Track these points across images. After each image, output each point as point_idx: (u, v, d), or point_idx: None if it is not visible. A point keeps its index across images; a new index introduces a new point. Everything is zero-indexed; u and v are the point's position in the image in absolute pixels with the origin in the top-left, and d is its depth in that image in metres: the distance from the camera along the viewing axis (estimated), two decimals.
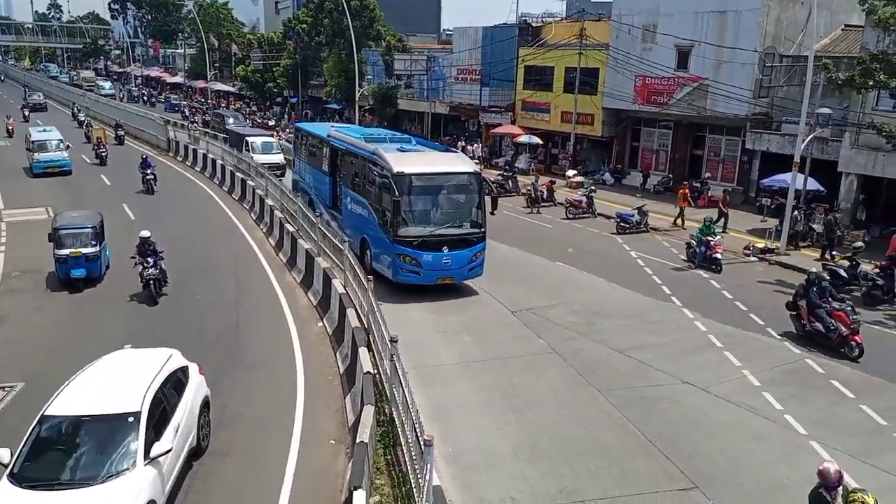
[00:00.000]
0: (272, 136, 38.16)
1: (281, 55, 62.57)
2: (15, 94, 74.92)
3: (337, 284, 15.08)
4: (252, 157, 31.85)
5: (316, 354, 13.82)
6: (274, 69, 62.94)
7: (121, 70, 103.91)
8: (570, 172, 34.31)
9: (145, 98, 77.76)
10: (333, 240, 17.25)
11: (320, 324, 15.29)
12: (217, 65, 76.36)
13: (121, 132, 42.62)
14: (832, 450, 10.62)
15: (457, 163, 18.03)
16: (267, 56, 64.78)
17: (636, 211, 25.29)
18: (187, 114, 59.75)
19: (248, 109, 64.22)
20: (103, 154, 35.08)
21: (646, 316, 16.49)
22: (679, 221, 25.78)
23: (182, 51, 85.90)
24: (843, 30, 28.95)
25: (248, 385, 12.47)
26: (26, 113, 53.69)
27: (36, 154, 32.10)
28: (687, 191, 26.39)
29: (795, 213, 22.76)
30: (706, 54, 29.07)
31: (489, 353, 14.00)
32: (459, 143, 40.93)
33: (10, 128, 43.96)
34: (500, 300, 17.16)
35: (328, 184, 21.60)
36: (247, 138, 35.04)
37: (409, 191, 16.47)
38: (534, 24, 41.12)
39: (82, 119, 48.66)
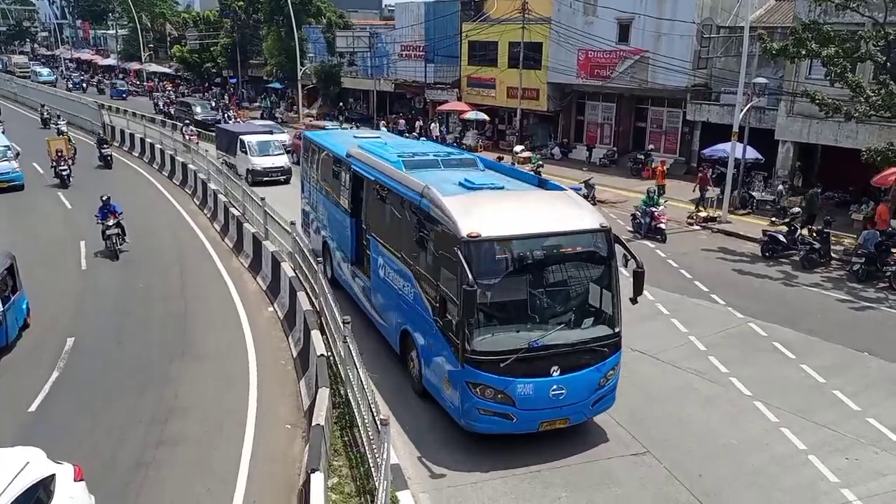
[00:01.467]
0: (271, 132, 31.72)
1: (218, 34, 60.76)
2: None
3: (286, 268, 14.85)
4: (250, 162, 27.48)
5: (267, 339, 13.63)
6: (212, 49, 61.13)
7: (49, 53, 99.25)
8: (518, 148, 34.42)
9: (91, 84, 69.65)
10: (280, 222, 16.93)
11: (271, 308, 15.06)
12: (151, 46, 73.78)
13: (106, 149, 30.62)
14: (776, 409, 11.06)
15: (569, 214, 10.21)
16: (204, 35, 62.79)
17: (583, 184, 25.56)
18: (161, 106, 50.64)
19: (180, 91, 62.36)
20: (64, 173, 26.39)
21: None
22: (701, 206, 23.89)
23: (114, 32, 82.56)
24: (776, 1, 29.67)
25: (199, 373, 12.21)
26: None
27: None
28: (707, 174, 24.83)
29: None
30: (646, 27, 29.41)
31: None
32: (418, 122, 40.62)
33: None
34: None
35: (350, 228, 14.10)
36: (241, 137, 28.58)
37: (491, 270, 9.34)
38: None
39: (52, 121, 39.79)
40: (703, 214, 23.14)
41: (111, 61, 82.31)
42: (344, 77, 48.34)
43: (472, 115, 37.01)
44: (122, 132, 36.72)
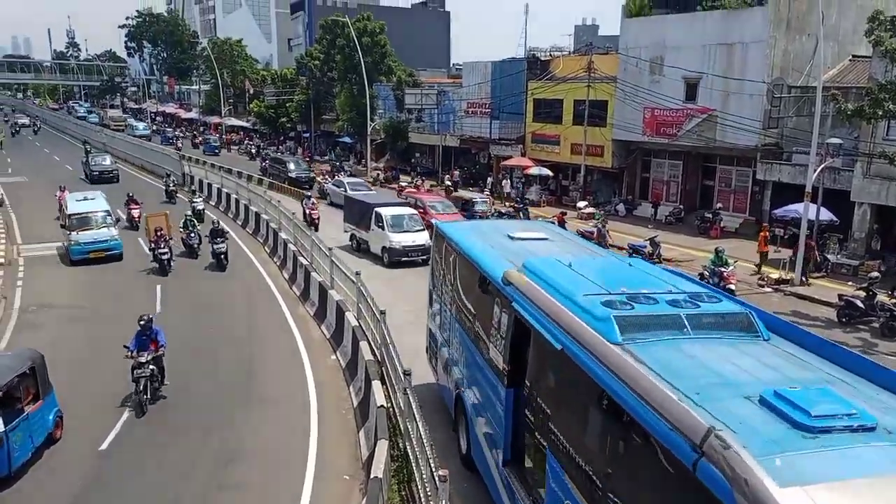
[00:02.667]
0: (406, 203, 28.20)
1: (294, 91, 63.69)
2: (63, 149, 58.87)
3: (350, 317, 15.12)
4: (388, 239, 23.58)
5: (329, 388, 13.81)
6: (287, 104, 64.00)
7: (136, 106, 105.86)
8: (581, 203, 34.41)
9: (184, 138, 69.69)
10: (345, 271, 17.33)
11: (333, 357, 15.30)
12: (231, 101, 77.74)
13: (221, 244, 22.81)
14: None
15: None
16: (280, 92, 65.95)
17: (648, 242, 25.26)
18: (266, 166, 46.64)
19: (259, 143, 65.20)
20: (164, 257, 21.86)
21: None
22: (762, 269, 23.29)
23: (197, 87, 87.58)
24: (850, 60, 29.12)
25: (262, 419, 12.45)
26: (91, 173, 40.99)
27: (74, 234, 23.23)
28: (767, 233, 24.11)
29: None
30: (714, 86, 29.27)
31: None
32: (489, 178, 41.18)
33: (63, 203, 27.44)
34: None
35: (503, 402, 8.87)
36: (377, 210, 24.48)
37: None
38: (542, 58, 41.62)
39: (174, 190, 36.18)
40: (774, 276, 22.44)
41: (193, 115, 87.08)
42: (411, 132, 49.62)
43: (535, 170, 37.31)
44: (200, 182, 38.69)
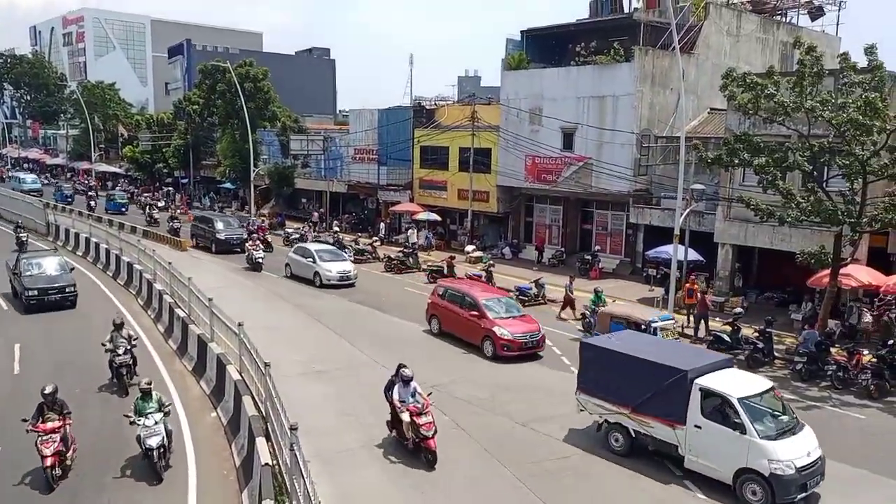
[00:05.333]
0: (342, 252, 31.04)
1: (171, 135, 61.36)
2: None
3: (231, 370, 14.38)
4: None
5: (209, 447, 12.98)
6: (164, 150, 61.50)
7: None
8: (469, 247, 35.03)
9: (82, 194, 57.55)
10: (226, 323, 16.54)
11: (214, 414, 14.44)
12: (102, 146, 73.86)
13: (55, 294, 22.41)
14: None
15: None
16: (157, 136, 63.34)
17: (533, 284, 25.95)
18: (174, 226, 39.47)
19: (133, 189, 62.02)
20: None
21: (547, 387, 16.67)
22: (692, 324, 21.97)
23: (64, 132, 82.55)
24: (709, 113, 31.73)
25: (134, 483, 11.45)
26: None
27: None
28: (695, 286, 22.67)
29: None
30: (589, 135, 30.97)
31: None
32: (382, 223, 41.00)
33: None
34: None
35: None
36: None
37: None
38: (428, 107, 42.58)
39: (25, 239, 32.26)
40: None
41: (60, 160, 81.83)
42: (298, 178, 48.98)
43: (423, 215, 37.68)
44: (67, 231, 36.06)
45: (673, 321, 18.75)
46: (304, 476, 8.95)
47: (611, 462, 12.79)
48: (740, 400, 11.46)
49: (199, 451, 12.78)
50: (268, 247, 34.37)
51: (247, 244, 32.50)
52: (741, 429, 11.27)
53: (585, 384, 13.77)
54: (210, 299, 17.67)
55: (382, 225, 40.78)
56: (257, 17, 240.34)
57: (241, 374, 14.40)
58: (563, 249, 33.89)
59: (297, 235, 37.88)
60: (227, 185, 55.80)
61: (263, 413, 12.66)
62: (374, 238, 37.36)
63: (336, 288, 27.38)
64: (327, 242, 33.78)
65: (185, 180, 62.17)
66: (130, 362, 15.83)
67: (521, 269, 30.98)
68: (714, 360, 13.01)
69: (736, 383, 12.04)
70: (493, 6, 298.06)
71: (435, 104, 43.87)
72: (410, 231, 36.90)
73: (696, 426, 11.82)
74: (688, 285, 23.23)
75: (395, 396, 12.73)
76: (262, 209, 49.42)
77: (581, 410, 13.83)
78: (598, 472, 12.46)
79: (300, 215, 47.31)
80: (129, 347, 15.83)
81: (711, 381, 11.97)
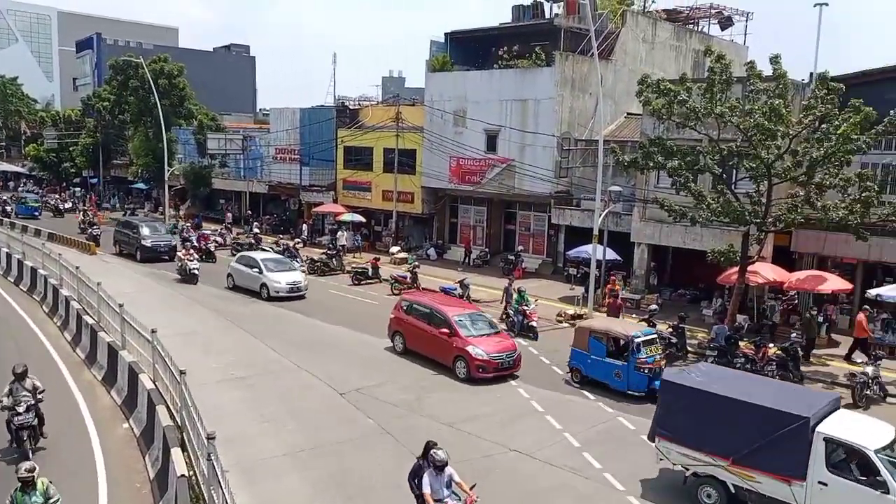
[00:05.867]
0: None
1: (80, 133, 58.39)
2: None
3: (144, 379, 13.76)
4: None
5: (121, 460, 12.36)
6: (71, 148, 58.46)
7: None
8: (394, 249, 34.90)
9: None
10: (139, 329, 15.82)
11: (126, 425, 13.78)
12: (3, 143, 69.62)
13: None
14: (649, 502, 11.27)
15: None
16: (63, 134, 60.14)
17: (458, 284, 26.09)
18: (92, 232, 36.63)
19: (37, 190, 58.70)
20: None
21: (472, 387, 16.77)
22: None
23: None
24: (626, 117, 32.76)
25: None
26: None
27: None
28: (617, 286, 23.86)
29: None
30: (512, 138, 31.40)
31: (317, 440, 13.38)
32: (304, 225, 40.17)
33: None
34: (326, 382, 16.61)
35: None
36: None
37: None
38: (351, 107, 42.18)
39: None
40: (570, 312, 24.12)
41: None
42: (215, 178, 47.58)
43: (347, 216, 37.27)
44: None
45: (655, 335, 17.44)
46: (223, 486, 8.66)
47: None
48: (877, 452, 9.86)
49: (111, 464, 12.14)
50: (209, 256, 32.23)
51: (179, 253, 29.72)
52: (883, 487, 9.62)
53: (668, 430, 11.67)
54: (121, 305, 16.90)
55: (305, 226, 40.12)
56: (173, 12, 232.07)
57: (154, 383, 13.82)
58: (487, 250, 34.24)
59: (244, 241, 35.34)
60: (140, 185, 53.67)
61: (179, 422, 12.17)
62: (297, 240, 36.63)
63: (285, 300, 25.31)
64: (280, 250, 32.00)
65: (94, 180, 59.36)
66: (34, 422, 12.30)
67: (446, 270, 31.08)
68: (826, 400, 11.21)
69: (864, 431, 10.42)
70: (417, 6, 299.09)
71: (359, 104, 43.53)
72: (340, 233, 36.29)
73: (820, 483, 10.08)
74: (609, 286, 23.96)
75: (426, 489, 9.45)
76: (178, 210, 47.74)
77: (661, 460, 11.84)
78: None
79: (218, 217, 45.93)
80: (32, 403, 12.29)
81: (835, 428, 10.29)
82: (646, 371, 16.09)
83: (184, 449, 11.01)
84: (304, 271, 28.39)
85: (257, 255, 27.88)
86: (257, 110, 78.46)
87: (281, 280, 25.89)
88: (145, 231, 33.38)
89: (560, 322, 23.62)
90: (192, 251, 29.57)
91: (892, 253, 21.29)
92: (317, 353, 18.84)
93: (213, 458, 9.13)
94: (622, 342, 16.54)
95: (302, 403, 15.29)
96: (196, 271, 28.02)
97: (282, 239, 37.73)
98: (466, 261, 33.56)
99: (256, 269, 26.45)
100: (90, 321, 18.38)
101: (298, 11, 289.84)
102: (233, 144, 45.00)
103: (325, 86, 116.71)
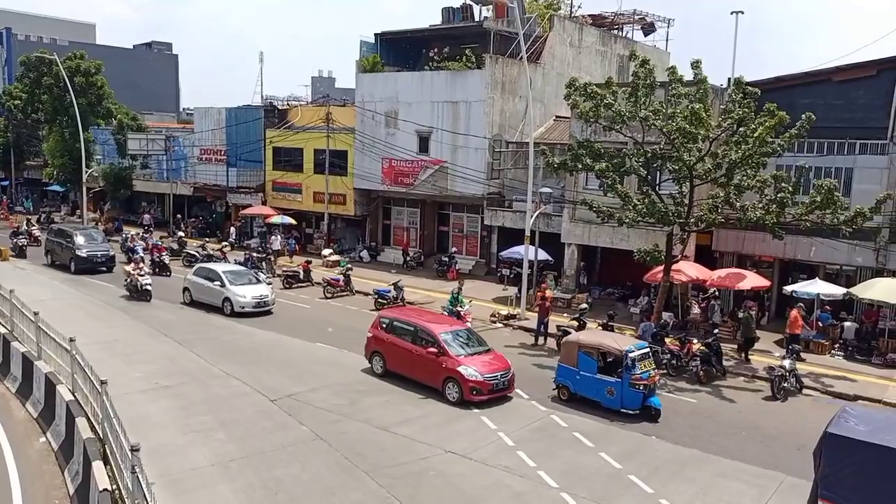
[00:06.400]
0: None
1: None
2: None
3: (63, 390, 13.09)
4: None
5: (38, 476, 11.71)
6: None
7: None
8: (326, 251, 34.43)
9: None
10: (55, 339, 15.04)
11: (42, 439, 13.08)
12: None
13: None
14: (581, 498, 11.49)
15: None
16: None
17: (392, 286, 25.97)
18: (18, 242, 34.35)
19: None
20: None
21: (403, 391, 16.68)
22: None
23: None
24: (555, 120, 33.38)
25: None
26: None
27: None
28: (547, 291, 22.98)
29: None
30: (444, 139, 31.51)
31: (248, 449, 13.03)
32: (232, 227, 38.99)
33: None
34: (257, 389, 16.22)
35: None
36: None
37: None
38: (280, 107, 41.38)
39: None
40: (504, 312, 24.38)
41: None
42: (136, 180, 45.88)
43: (277, 218, 36.53)
44: None
45: (648, 349, 16.39)
46: (148, 499, 8.34)
47: None
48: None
49: (26, 481, 11.49)
50: (163, 269, 29.74)
51: (127, 267, 26.35)
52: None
53: (839, 495, 9.53)
54: (36, 313, 16.03)
55: (233, 229, 39.06)
56: (90, 8, 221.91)
57: (73, 394, 13.16)
58: (421, 251, 34.23)
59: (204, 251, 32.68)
60: (56, 187, 51.14)
61: (101, 434, 11.64)
62: (224, 243, 35.58)
63: (251, 316, 23.24)
64: (243, 260, 30.02)
65: (5, 182, 56.22)
66: None
67: (380, 273, 30.88)
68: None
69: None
70: (345, 6, 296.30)
71: (288, 104, 42.74)
72: (273, 237, 35.43)
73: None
74: (539, 293, 24.07)
75: None
76: (98, 213, 45.74)
77: None
78: None
79: (139, 220, 44.22)
80: None
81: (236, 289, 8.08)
82: (641, 388, 15.18)
83: (106, 462, 10.52)
84: (270, 283, 26.13)
85: (218, 268, 25.35)
86: (181, 110, 76.07)
87: (246, 294, 23.69)
88: (80, 240, 30.57)
89: (494, 322, 23.83)
90: (142, 264, 26.39)
91: (805, 251, 22.48)
92: (245, 360, 18.39)
93: (137, 470, 8.76)
94: (609, 358, 15.65)
95: (232, 412, 14.88)
96: (149, 287, 25.13)
97: (208, 242, 36.67)
98: (405, 262, 33.37)
99: (218, 283, 24.15)
100: (2, 330, 17.36)
101: (222, 10, 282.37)
102: (155, 145, 43.43)
103: (253, 85, 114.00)
